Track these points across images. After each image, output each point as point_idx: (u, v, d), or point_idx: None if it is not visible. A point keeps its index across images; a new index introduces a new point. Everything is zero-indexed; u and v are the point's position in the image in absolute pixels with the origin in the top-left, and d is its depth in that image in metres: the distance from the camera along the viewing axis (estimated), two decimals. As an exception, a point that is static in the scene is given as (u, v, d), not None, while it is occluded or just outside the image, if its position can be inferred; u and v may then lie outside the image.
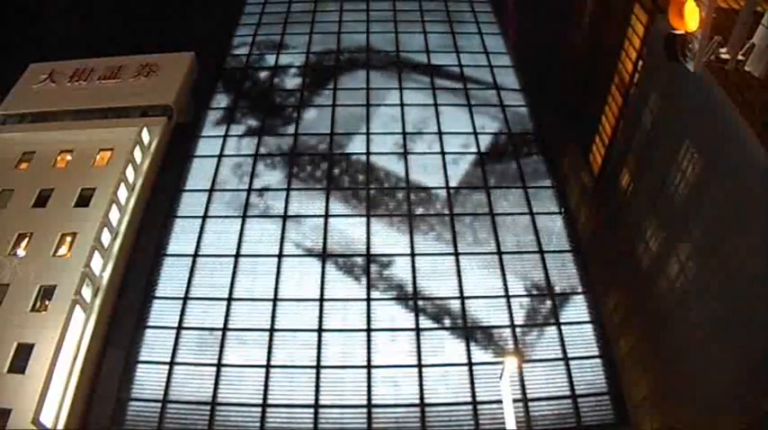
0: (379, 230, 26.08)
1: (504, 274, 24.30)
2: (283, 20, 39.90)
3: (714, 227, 16.73)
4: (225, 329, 22.85)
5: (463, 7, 40.61)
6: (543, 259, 24.90)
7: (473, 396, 20.79)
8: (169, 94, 31.13)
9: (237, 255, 25.29)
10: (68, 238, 24.76)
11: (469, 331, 22.51)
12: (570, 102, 31.25)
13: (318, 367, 21.65)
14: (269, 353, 22.07)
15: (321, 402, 20.84)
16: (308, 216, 26.76)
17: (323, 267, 24.71)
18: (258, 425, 20.42)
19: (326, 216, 26.67)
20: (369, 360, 21.79)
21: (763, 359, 13.95)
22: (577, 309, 23.33)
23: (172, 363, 21.94)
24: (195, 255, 25.41)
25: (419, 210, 26.85)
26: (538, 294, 23.74)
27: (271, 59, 36.45)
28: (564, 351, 21.91)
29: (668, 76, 19.43)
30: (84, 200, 26.26)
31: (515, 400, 18.96)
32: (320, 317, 23.07)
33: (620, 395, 20.83)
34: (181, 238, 26.21)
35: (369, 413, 20.53)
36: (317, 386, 21.17)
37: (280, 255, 25.21)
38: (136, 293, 24.33)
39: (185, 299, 23.89)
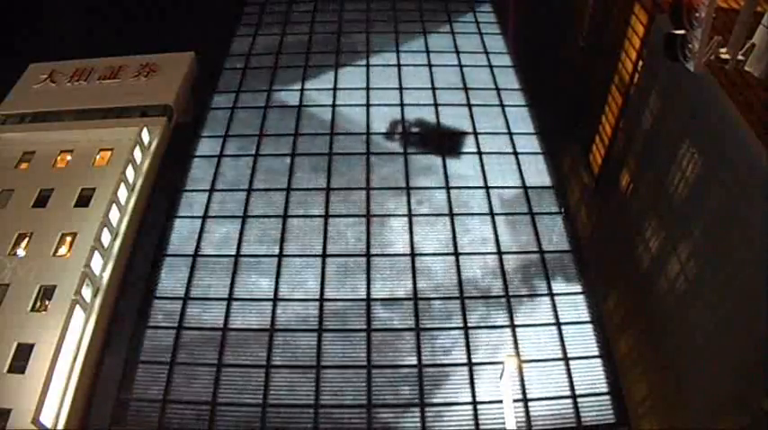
0: (379, 230, 26.10)
1: (503, 274, 24.33)
2: (283, 20, 39.92)
3: (714, 227, 16.71)
4: (225, 329, 22.86)
5: (463, 7, 40.64)
6: (543, 259, 24.93)
7: (473, 396, 20.80)
8: (169, 94, 31.16)
9: (237, 255, 25.31)
10: (68, 238, 24.79)
11: (469, 331, 22.53)
12: (570, 102, 31.20)
13: (318, 367, 21.66)
14: (269, 353, 22.08)
15: (321, 402, 20.85)
16: (309, 216, 26.77)
17: (323, 267, 24.72)
18: (258, 425, 20.43)
19: (326, 216, 26.68)
20: (369, 360, 21.80)
21: (763, 359, 13.93)
22: (577, 309, 23.34)
23: (172, 363, 21.94)
24: (195, 255, 25.42)
25: (419, 210, 26.87)
26: (538, 294, 23.75)
27: (271, 59, 36.44)
28: (564, 351, 21.92)
29: (668, 76, 19.41)
30: (84, 200, 26.28)
31: (515, 400, 18.97)
32: (320, 317, 23.09)
33: (620, 395, 20.84)
34: (181, 238, 26.23)
35: (369, 413, 20.55)
36: (317, 386, 21.18)
37: (280, 255, 25.22)
38: (136, 293, 24.35)
39: (185, 299, 23.90)
